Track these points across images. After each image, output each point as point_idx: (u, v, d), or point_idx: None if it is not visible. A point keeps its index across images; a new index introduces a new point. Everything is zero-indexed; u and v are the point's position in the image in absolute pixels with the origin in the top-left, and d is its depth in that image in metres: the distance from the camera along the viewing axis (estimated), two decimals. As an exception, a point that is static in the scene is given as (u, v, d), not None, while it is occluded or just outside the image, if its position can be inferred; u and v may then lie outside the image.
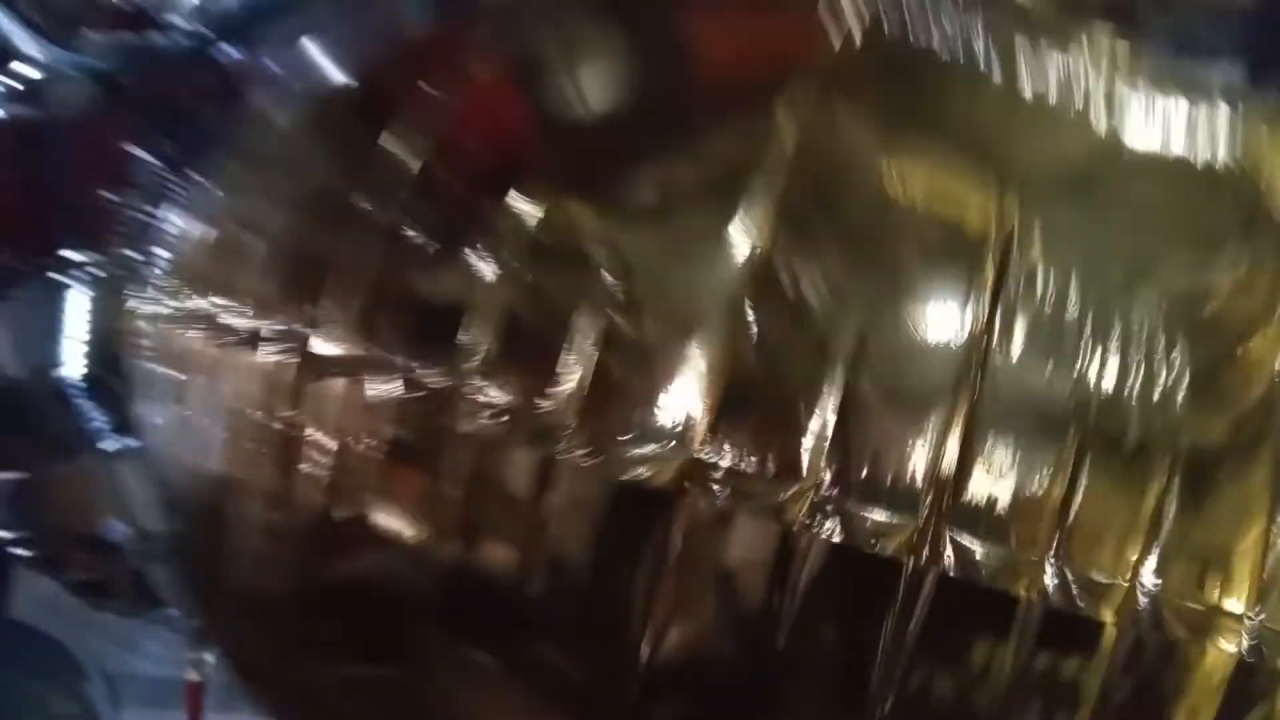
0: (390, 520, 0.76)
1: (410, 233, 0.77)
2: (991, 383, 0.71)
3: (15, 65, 1.08)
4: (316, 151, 0.89)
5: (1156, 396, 0.71)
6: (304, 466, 0.77)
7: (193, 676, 1.37)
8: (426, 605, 0.77)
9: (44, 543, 1.14)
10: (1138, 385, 0.71)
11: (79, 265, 1.02)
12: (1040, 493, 0.70)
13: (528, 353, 0.73)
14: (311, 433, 0.77)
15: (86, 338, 1.02)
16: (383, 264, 0.77)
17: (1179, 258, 0.77)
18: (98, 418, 1.04)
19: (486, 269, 0.74)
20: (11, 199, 1.05)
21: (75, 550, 1.16)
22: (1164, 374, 0.71)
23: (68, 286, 1.04)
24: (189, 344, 0.84)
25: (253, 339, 0.79)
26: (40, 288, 1.03)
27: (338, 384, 0.76)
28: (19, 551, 1.16)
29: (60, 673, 1.74)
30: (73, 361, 1.02)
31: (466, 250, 0.75)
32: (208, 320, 0.83)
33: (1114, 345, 0.71)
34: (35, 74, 1.10)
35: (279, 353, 0.78)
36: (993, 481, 0.70)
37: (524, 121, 0.83)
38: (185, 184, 1.07)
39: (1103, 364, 0.71)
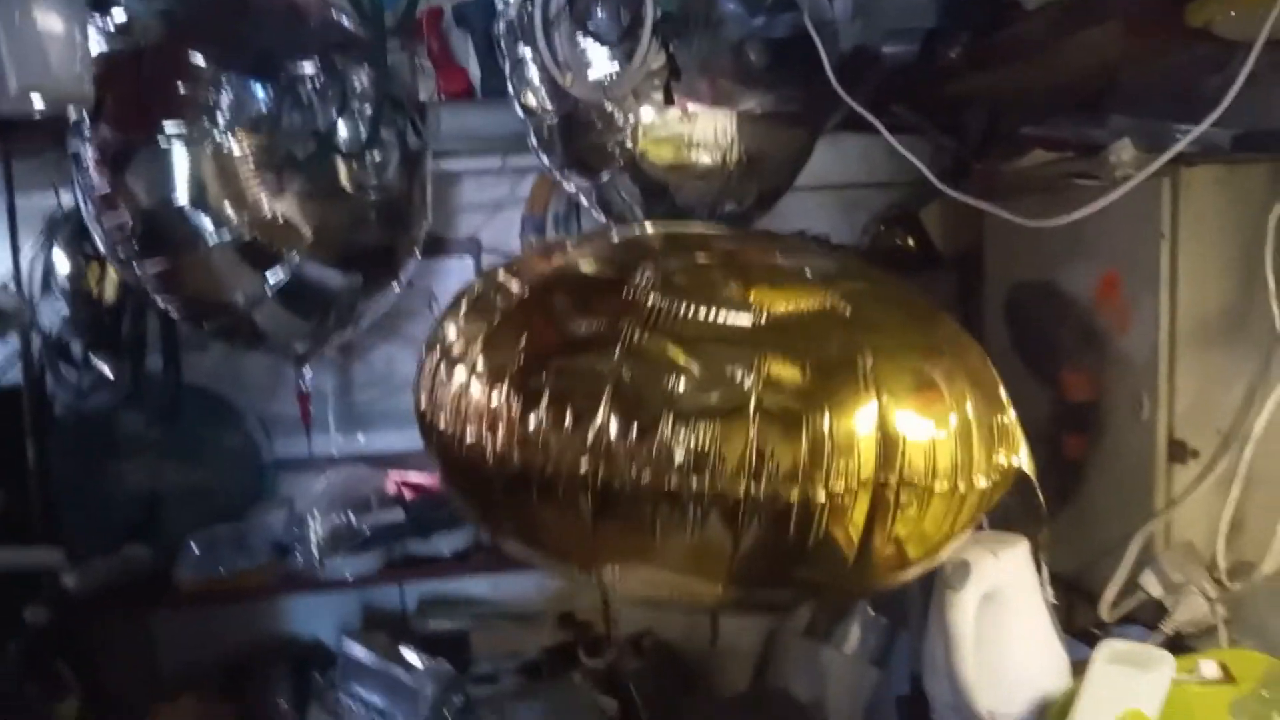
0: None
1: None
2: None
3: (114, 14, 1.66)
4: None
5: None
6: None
7: (303, 389, 2.08)
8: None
9: (188, 305, 1.83)
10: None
11: (174, 134, 1.65)
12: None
13: None
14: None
15: (186, 176, 1.66)
16: None
17: None
18: (205, 225, 1.70)
19: None
20: (127, 98, 1.65)
21: (209, 309, 1.85)
22: None
23: (170, 148, 1.67)
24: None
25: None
26: (154, 151, 1.66)
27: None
28: (174, 312, 1.84)
29: (226, 418, 2.50)
30: (182, 191, 1.67)
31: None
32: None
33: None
34: (123, 16, 1.69)
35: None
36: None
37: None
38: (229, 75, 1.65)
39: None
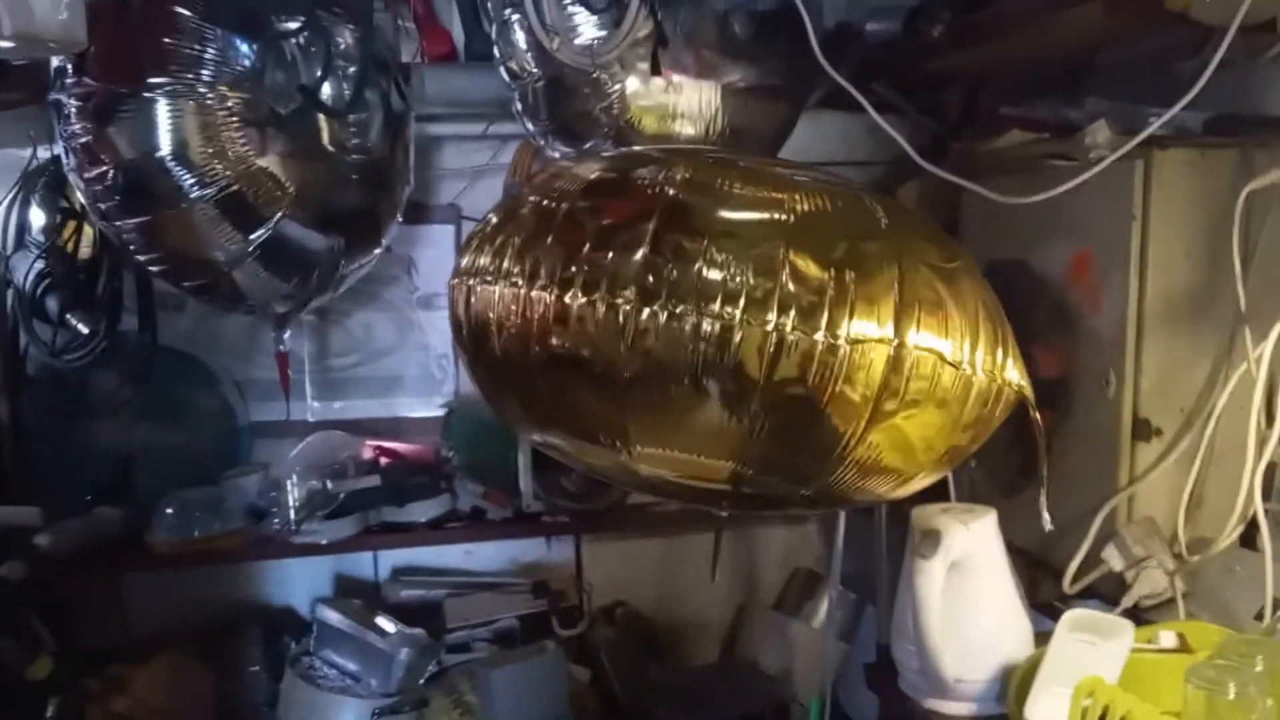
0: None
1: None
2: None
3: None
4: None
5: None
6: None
7: (282, 348, 2.08)
8: None
9: (168, 261, 1.82)
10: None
11: (157, 86, 1.64)
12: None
13: None
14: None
15: (169, 129, 1.65)
16: None
17: None
18: (186, 179, 1.69)
19: None
20: (114, 49, 1.63)
21: (188, 266, 1.84)
22: None
23: (155, 100, 1.66)
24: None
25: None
26: (138, 102, 1.65)
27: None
28: (154, 268, 1.84)
29: (202, 380, 2.49)
30: (165, 145, 1.66)
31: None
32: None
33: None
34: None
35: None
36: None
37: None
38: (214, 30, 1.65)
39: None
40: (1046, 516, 1.40)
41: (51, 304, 2.14)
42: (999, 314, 1.26)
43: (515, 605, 2.50)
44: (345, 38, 1.82)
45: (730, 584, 2.77)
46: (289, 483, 2.30)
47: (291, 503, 2.29)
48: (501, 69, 1.89)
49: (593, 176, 1.25)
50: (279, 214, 1.77)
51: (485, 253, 1.26)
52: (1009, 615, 1.50)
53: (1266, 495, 1.43)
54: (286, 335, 2.08)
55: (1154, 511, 1.61)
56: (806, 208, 1.16)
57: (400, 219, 2.12)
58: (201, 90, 1.65)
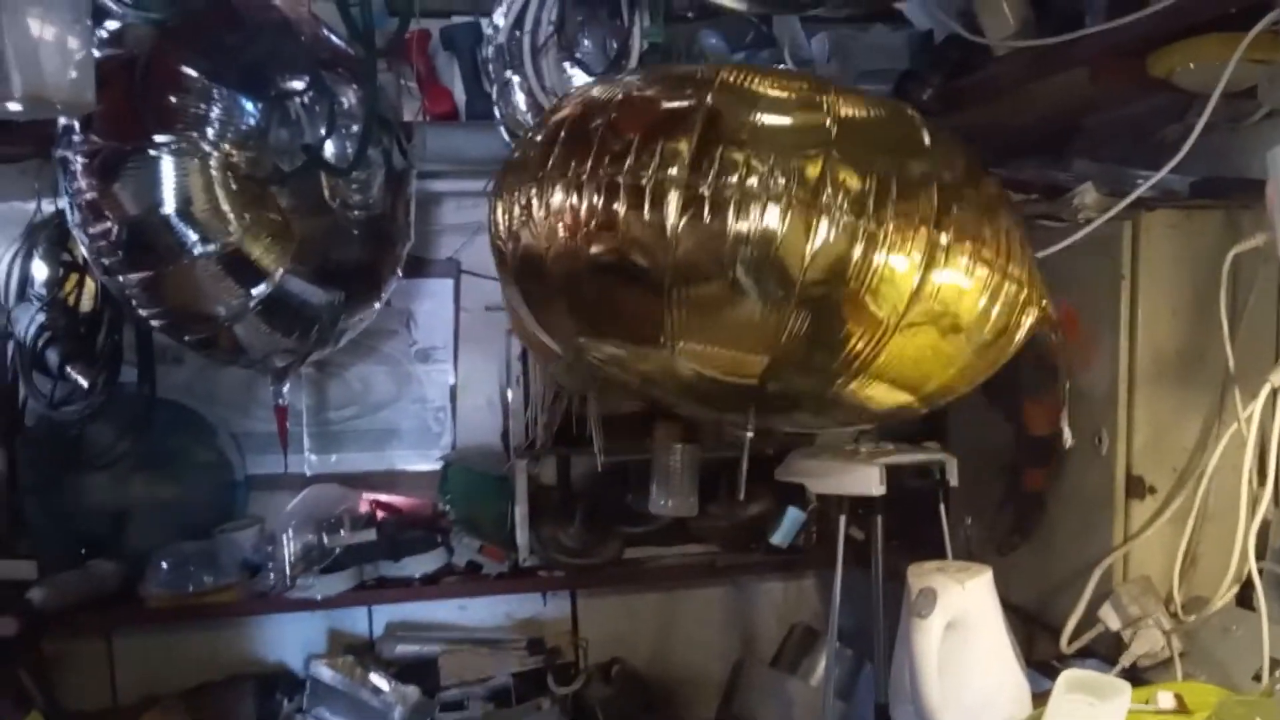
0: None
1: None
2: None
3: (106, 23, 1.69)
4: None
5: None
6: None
7: (280, 402, 2.09)
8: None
9: (170, 315, 1.84)
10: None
11: (162, 144, 1.67)
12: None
13: None
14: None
15: (174, 186, 1.68)
16: None
17: None
18: (190, 236, 1.72)
19: None
20: (118, 106, 1.67)
21: (190, 321, 1.86)
22: None
23: (160, 158, 1.69)
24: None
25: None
26: (143, 160, 1.68)
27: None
28: (155, 323, 1.85)
29: (199, 433, 2.49)
30: (169, 202, 1.69)
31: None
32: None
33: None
34: (115, 25, 1.72)
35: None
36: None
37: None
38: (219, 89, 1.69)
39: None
40: (1068, 432, 1.49)
41: (52, 356, 2.15)
42: (1025, 236, 1.30)
43: (510, 662, 2.48)
44: (349, 97, 1.86)
45: (727, 639, 2.75)
46: (284, 537, 2.29)
47: (286, 557, 2.28)
48: (501, 128, 1.93)
49: (632, 92, 1.28)
50: (281, 270, 1.80)
51: (527, 169, 1.29)
52: (1006, 675, 1.49)
53: (1261, 555, 1.43)
54: (285, 389, 2.09)
55: (1149, 570, 1.61)
56: (849, 114, 1.20)
57: (400, 274, 2.14)
58: (206, 148, 1.68)
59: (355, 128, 1.85)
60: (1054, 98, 1.70)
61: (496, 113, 1.92)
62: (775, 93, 1.22)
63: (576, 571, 2.48)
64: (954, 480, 1.87)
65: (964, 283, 1.19)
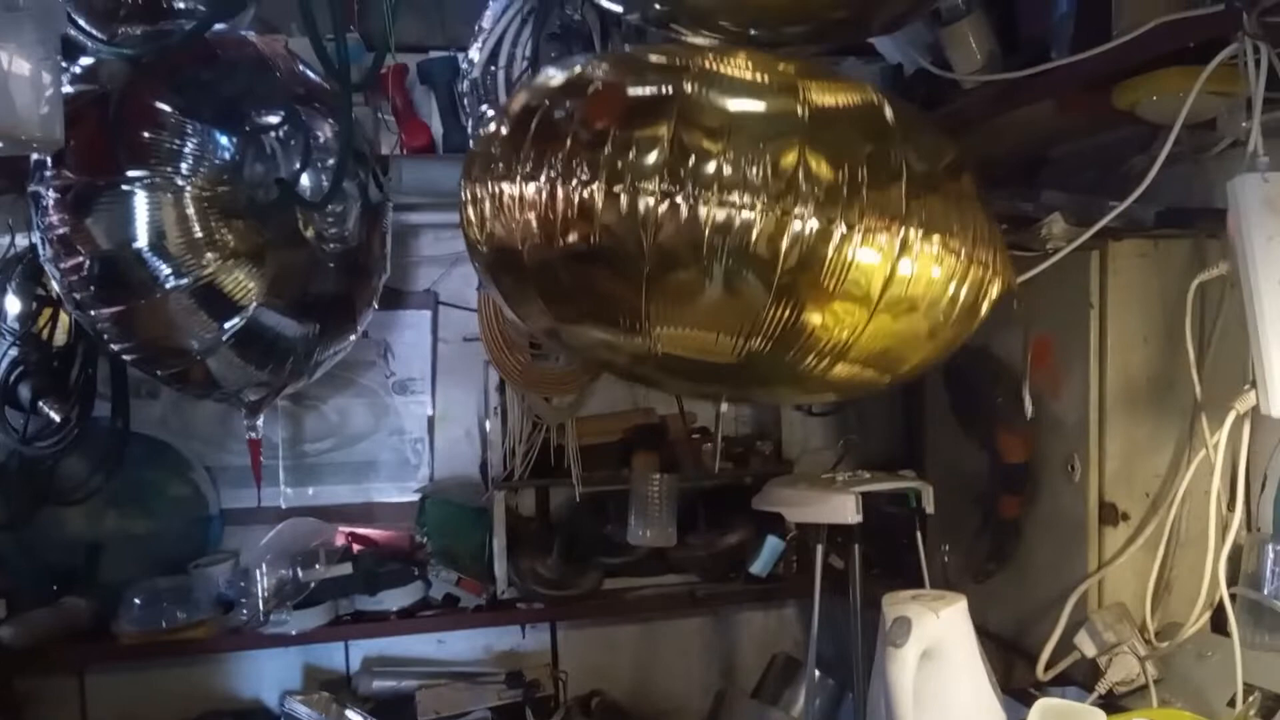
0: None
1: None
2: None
3: (80, 59, 1.70)
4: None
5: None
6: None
7: (254, 435, 2.07)
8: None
9: (142, 350, 1.83)
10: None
11: (135, 179, 1.67)
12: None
13: None
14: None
15: (147, 221, 1.68)
16: None
17: None
18: (163, 269, 1.71)
19: None
20: (91, 141, 1.67)
21: (162, 355, 1.85)
22: None
23: (133, 192, 1.69)
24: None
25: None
26: (116, 195, 1.68)
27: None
28: (127, 357, 1.84)
29: (173, 467, 2.47)
30: (142, 236, 1.68)
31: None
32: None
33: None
34: (89, 61, 1.72)
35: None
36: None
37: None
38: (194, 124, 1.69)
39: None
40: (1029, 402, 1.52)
41: (24, 391, 2.13)
42: (992, 220, 1.32)
43: (489, 696, 2.46)
44: (324, 131, 1.87)
45: (708, 670, 2.74)
46: (259, 571, 2.27)
47: (261, 592, 2.26)
48: (477, 161, 1.93)
49: (604, 80, 1.27)
50: (254, 303, 1.79)
51: (501, 157, 1.28)
52: (982, 703, 1.49)
53: (1233, 580, 1.44)
54: (259, 422, 2.08)
55: (1124, 596, 1.62)
56: (822, 101, 1.21)
57: (376, 306, 2.14)
58: (180, 183, 1.68)
59: (331, 161, 1.85)
60: (1022, 130, 1.73)
61: (472, 145, 1.93)
62: (749, 77, 1.23)
63: (555, 603, 2.47)
64: (930, 508, 1.87)
65: (934, 270, 1.21)
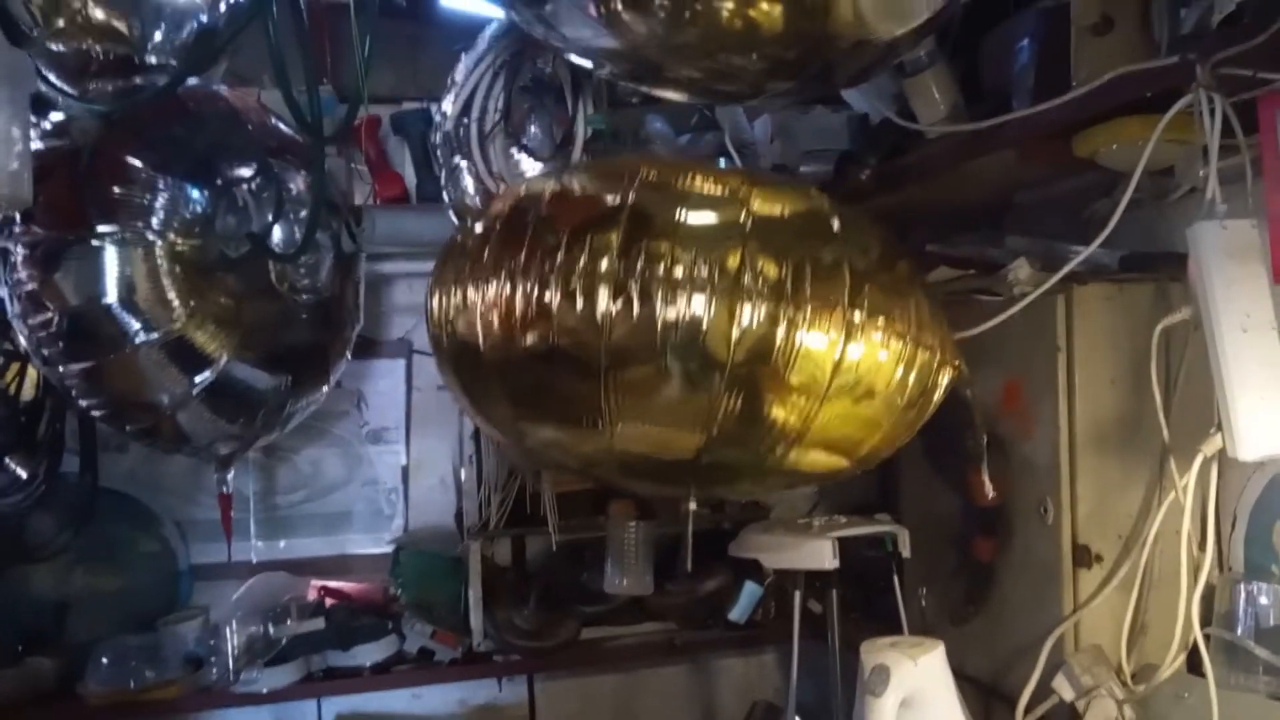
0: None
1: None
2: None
3: (51, 115, 1.70)
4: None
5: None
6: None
7: (225, 489, 2.05)
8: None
9: (110, 405, 1.81)
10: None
11: (106, 234, 1.66)
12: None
13: None
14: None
15: (116, 276, 1.67)
16: None
17: None
18: (132, 324, 1.70)
19: None
20: (61, 197, 1.67)
21: (132, 410, 1.82)
22: None
23: (103, 248, 1.68)
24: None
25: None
26: (85, 250, 1.67)
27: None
28: (95, 413, 1.82)
29: (142, 522, 2.43)
30: (111, 291, 1.67)
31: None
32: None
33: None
34: (60, 116, 1.72)
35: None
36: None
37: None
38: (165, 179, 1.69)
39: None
40: (989, 486, 1.59)
41: (-11, 447, 2.10)
42: (936, 307, 1.38)
43: (465, 751, 2.42)
44: (297, 183, 1.87)
45: (689, 718, 2.70)
46: (229, 629, 2.23)
47: (231, 650, 2.22)
48: (450, 211, 1.94)
49: (562, 189, 1.34)
50: (226, 356, 1.78)
51: (464, 263, 1.34)
52: (962, 750, 1.48)
53: (1206, 620, 1.45)
54: (230, 476, 2.05)
55: (1100, 638, 1.62)
56: (764, 210, 1.27)
57: (349, 356, 2.13)
58: (151, 237, 1.68)
59: (303, 212, 1.85)
60: (985, 177, 1.76)
61: (446, 197, 1.94)
62: (695, 189, 1.28)
63: (532, 654, 2.44)
64: (906, 552, 1.87)
65: (880, 354, 1.27)
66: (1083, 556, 1.62)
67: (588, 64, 1.50)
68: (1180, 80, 1.27)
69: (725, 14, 1.23)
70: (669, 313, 1.19)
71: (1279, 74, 1.19)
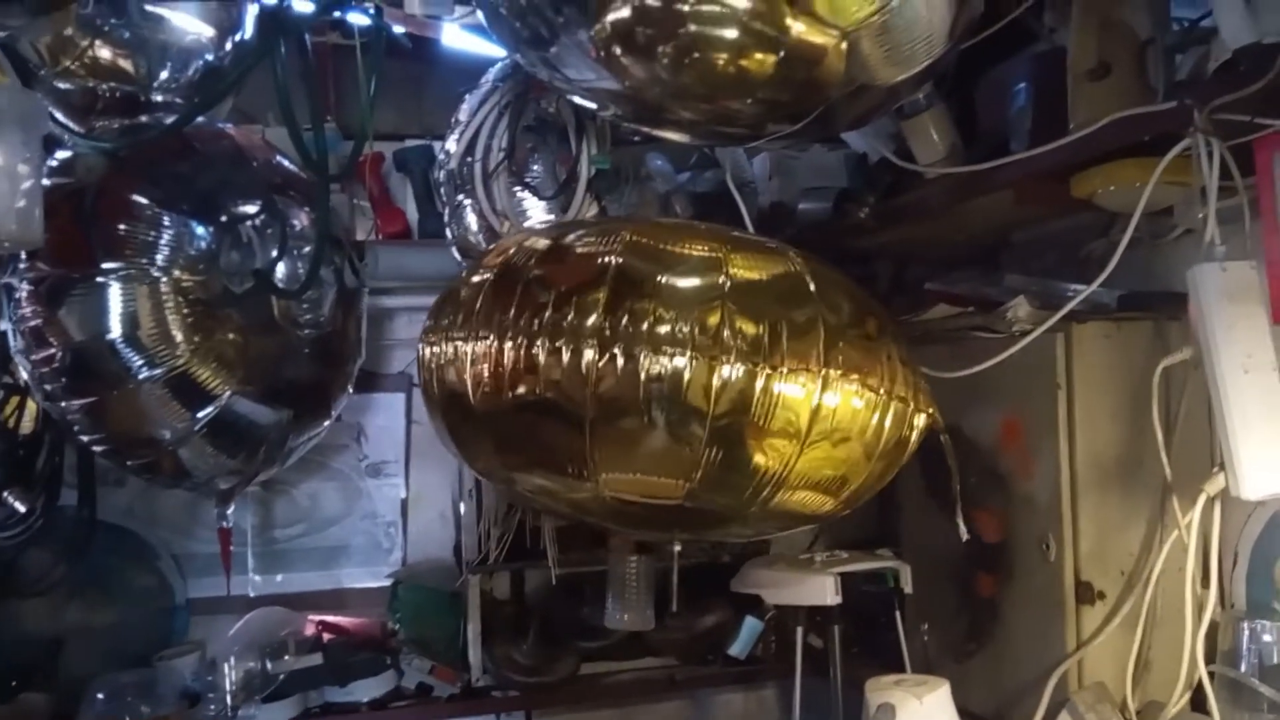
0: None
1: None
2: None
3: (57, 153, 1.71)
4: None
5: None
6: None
7: (224, 524, 2.04)
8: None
9: (112, 440, 1.81)
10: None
11: (110, 271, 1.67)
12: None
13: None
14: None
15: (120, 312, 1.67)
16: None
17: None
18: (135, 360, 1.70)
19: None
20: (66, 234, 1.67)
21: (133, 445, 1.82)
22: None
23: (108, 284, 1.68)
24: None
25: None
26: (90, 286, 1.68)
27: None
28: (97, 448, 1.81)
29: (139, 556, 2.42)
30: (116, 327, 1.67)
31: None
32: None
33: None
34: (66, 154, 1.73)
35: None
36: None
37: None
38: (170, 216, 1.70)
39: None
40: (963, 529, 1.56)
41: (-12, 480, 2.08)
42: (908, 359, 1.43)
43: (463, 788, 2.39)
44: (301, 219, 1.88)
45: (689, 755, 2.68)
46: (226, 664, 2.21)
47: (228, 685, 2.20)
48: (453, 248, 1.95)
49: (551, 248, 1.39)
50: (228, 391, 1.78)
51: (455, 316, 1.40)
52: (967, 789, 1.48)
53: (1211, 658, 1.45)
54: (229, 510, 2.05)
55: (1103, 675, 1.61)
56: (741, 274, 1.32)
57: (350, 390, 2.13)
58: (155, 274, 1.68)
59: (307, 249, 1.86)
60: (983, 216, 1.77)
61: (449, 233, 1.95)
62: (678, 251, 1.34)
63: (531, 690, 2.42)
64: (908, 587, 1.87)
65: (855, 403, 1.32)
66: (1085, 593, 1.62)
67: (591, 105, 1.52)
68: (1177, 125, 1.29)
69: (722, 62, 1.27)
70: (653, 367, 1.25)
71: (1275, 119, 1.21)
